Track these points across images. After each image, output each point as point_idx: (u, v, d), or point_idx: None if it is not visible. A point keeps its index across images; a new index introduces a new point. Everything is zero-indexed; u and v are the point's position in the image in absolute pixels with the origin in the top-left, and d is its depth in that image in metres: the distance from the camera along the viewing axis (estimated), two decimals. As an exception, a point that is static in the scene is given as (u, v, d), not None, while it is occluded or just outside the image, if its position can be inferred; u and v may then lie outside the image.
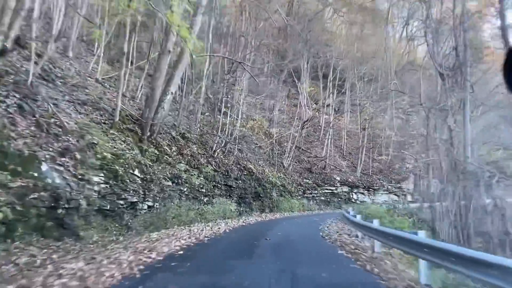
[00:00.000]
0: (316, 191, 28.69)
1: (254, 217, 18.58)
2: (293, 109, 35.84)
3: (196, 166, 16.26)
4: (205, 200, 16.27)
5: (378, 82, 40.12)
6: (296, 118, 33.18)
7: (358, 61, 39.30)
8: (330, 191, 29.89)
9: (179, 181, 14.86)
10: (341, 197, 30.50)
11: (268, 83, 32.50)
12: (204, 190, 16.62)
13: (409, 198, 35.30)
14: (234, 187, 19.96)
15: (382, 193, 33.28)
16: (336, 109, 38.34)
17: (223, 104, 21.84)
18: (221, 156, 19.60)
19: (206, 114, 23.60)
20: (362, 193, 31.84)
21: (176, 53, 15.15)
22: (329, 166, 31.73)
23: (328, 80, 36.85)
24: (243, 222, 15.79)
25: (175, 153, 15.15)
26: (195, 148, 16.28)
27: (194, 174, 16.09)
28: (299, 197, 26.93)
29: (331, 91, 37.16)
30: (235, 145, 20.78)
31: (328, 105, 38.70)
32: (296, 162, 29.80)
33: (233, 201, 19.00)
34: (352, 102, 39.91)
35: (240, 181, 20.72)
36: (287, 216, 21.36)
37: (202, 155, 17.37)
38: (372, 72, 41.56)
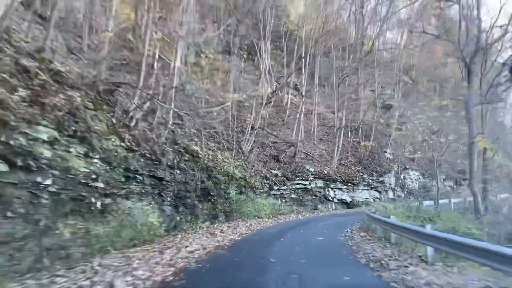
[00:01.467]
0: (285, 187, 21.23)
1: (198, 237, 10.55)
2: (253, 86, 28.11)
3: (81, 134, 7.88)
4: (98, 206, 7.93)
5: (356, 54, 33.56)
6: (255, 97, 25.43)
7: (326, 32, 32.37)
8: (303, 186, 22.62)
9: (34, 163, 6.53)
10: (316, 194, 23.37)
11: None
12: (100, 185, 8.29)
13: (390, 194, 29.14)
14: (167, 181, 11.79)
15: (362, 189, 26.71)
16: (300, 88, 31.19)
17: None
18: (144, 126, 11.29)
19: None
20: (340, 189, 24.99)
21: None
22: (299, 154, 24.46)
23: (294, 55, 29.44)
24: (166, 258, 7.76)
25: (23, 102, 6.70)
26: (79, 99, 7.86)
27: (77, 152, 7.71)
28: (265, 194, 19.30)
29: (298, 66, 29.89)
30: (171, 104, 12.46)
31: (296, 85, 31.52)
32: (259, 148, 22.12)
33: (163, 204, 10.88)
34: (324, 80, 33.03)
35: (179, 171, 12.59)
36: (259, 228, 13.60)
37: (101, 116, 8.99)
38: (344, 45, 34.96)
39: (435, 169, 32.68)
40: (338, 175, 24.82)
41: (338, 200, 24.75)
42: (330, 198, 24.13)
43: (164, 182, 11.67)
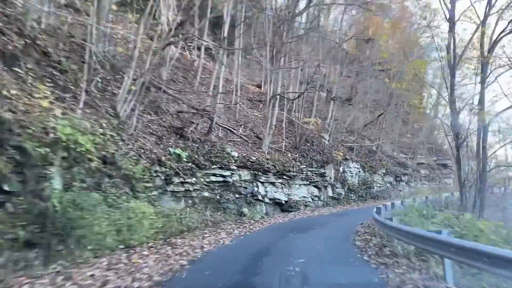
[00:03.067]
0: (194, 179, 12.68)
1: None
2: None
3: None
4: None
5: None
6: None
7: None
8: (222, 178, 14.38)
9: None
10: (240, 191, 15.29)
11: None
12: None
13: (329, 191, 22.56)
14: None
15: (300, 184, 19.47)
16: (215, 55, 22.89)
17: None
18: None
19: None
20: (273, 184, 17.35)
21: None
22: (217, 130, 16.22)
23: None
24: None
25: None
26: None
27: None
28: (156, 192, 10.57)
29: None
30: None
31: (210, 50, 23.05)
32: (151, 114, 13.31)
33: None
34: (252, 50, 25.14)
35: None
36: None
37: None
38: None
39: (376, 160, 27.25)
40: (271, 163, 17.15)
41: (270, 199, 17.07)
42: (260, 197, 16.30)
43: None
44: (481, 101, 17.28)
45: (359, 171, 26.15)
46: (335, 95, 24.51)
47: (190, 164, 12.63)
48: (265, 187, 16.82)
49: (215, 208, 13.71)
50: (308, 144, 21.58)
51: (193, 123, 15.03)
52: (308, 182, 20.03)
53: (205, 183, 13.61)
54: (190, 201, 12.49)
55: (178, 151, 12.16)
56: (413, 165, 32.21)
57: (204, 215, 12.20)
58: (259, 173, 16.36)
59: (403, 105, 36.00)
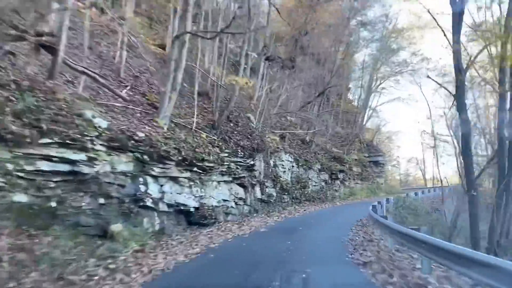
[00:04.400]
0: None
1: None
2: None
3: None
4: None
5: None
6: None
7: None
8: (69, 167, 7.17)
9: None
10: (110, 192, 8.10)
11: None
12: None
13: (257, 192, 16.47)
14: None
15: (219, 181, 12.90)
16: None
17: None
18: None
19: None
20: (176, 180, 10.51)
21: None
22: (74, 80, 8.89)
23: None
24: None
25: None
26: None
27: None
28: None
29: None
30: None
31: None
32: None
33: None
34: None
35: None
36: None
37: None
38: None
39: (311, 153, 22.08)
40: (173, 146, 10.27)
41: (170, 206, 10.16)
42: (150, 203, 9.24)
43: None
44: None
45: (293, 166, 20.51)
46: (272, 54, 18.38)
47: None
48: (161, 185, 9.90)
49: (43, 226, 6.47)
50: (232, 124, 15.13)
51: (11, 54, 7.55)
52: (231, 179, 13.57)
53: (21, 174, 6.34)
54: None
55: None
56: (350, 160, 27.84)
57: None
58: (151, 160, 9.40)
59: (333, 94, 32.00)
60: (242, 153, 14.17)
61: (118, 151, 8.57)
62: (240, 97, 17.65)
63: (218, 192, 12.61)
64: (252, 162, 14.72)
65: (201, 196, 11.60)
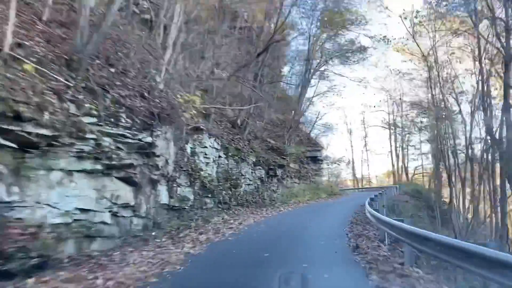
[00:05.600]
0: None
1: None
2: None
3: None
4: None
5: None
6: None
7: None
8: None
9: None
10: None
11: None
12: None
13: (163, 195, 9.81)
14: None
15: (71, 170, 6.16)
16: None
17: None
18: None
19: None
20: None
21: None
22: None
23: None
24: None
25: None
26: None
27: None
28: None
29: None
30: None
31: None
32: None
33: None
34: None
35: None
36: None
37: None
38: None
39: (244, 141, 16.27)
40: None
41: None
42: None
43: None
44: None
45: (220, 156, 14.25)
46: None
47: None
48: None
49: None
50: (113, 70, 8.34)
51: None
52: (103, 167, 6.91)
53: None
54: None
55: None
56: (291, 152, 22.37)
57: None
58: None
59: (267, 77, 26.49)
60: (130, 121, 7.58)
61: None
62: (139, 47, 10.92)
63: (65, 194, 5.93)
64: (150, 139, 8.17)
65: (9, 202, 4.87)
